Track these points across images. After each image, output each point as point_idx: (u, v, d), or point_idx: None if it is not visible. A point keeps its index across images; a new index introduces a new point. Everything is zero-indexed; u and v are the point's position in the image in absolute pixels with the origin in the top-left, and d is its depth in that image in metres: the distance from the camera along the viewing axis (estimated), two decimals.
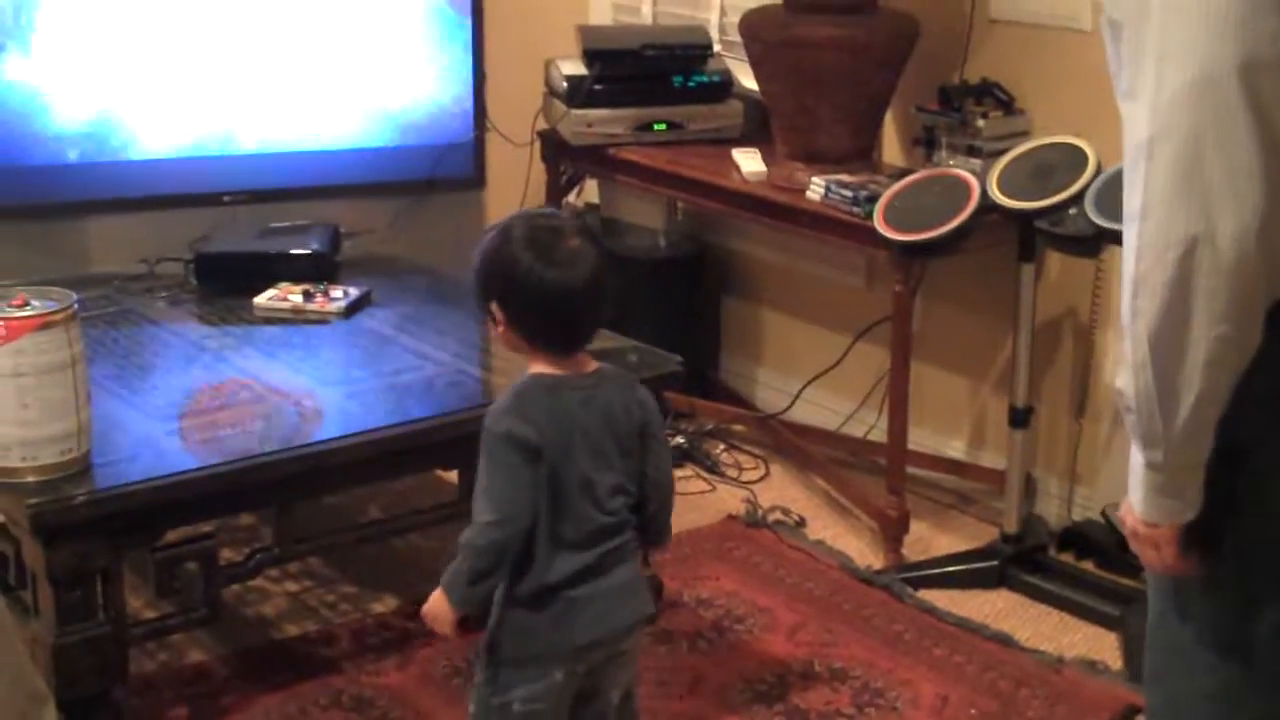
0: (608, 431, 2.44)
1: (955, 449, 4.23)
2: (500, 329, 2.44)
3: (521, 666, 2.46)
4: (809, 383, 4.48)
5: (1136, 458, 1.90)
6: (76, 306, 2.82)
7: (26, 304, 2.77)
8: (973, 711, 3.25)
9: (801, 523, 4.07)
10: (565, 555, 2.41)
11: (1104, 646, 3.50)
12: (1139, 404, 1.84)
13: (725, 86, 4.42)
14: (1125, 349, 1.84)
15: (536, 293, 2.39)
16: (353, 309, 3.72)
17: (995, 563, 3.78)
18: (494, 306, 2.42)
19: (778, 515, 4.09)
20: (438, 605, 2.44)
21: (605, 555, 2.44)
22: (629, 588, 2.50)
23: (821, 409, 4.49)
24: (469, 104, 4.29)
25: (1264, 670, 1.98)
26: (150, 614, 3.19)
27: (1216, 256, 1.73)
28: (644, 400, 2.51)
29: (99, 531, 2.83)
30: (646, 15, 4.84)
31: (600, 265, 2.43)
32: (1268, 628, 1.95)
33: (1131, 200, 1.79)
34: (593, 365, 2.49)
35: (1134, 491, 1.93)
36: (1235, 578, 1.94)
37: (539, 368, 2.44)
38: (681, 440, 4.41)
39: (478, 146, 4.30)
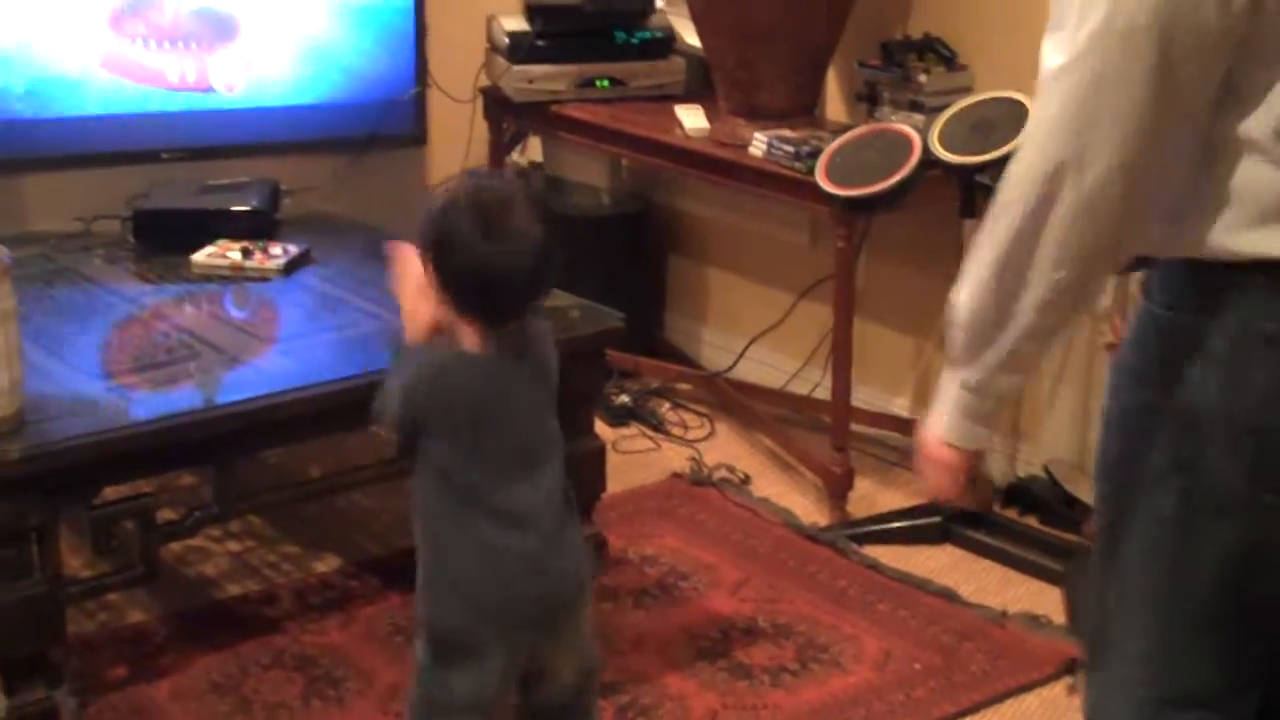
0: None
1: (899, 406, 4.23)
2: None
3: None
4: (753, 340, 4.47)
5: (950, 377, 1.94)
6: (8, 262, 2.77)
7: None
8: (916, 666, 3.26)
9: (746, 480, 4.06)
10: None
11: (1047, 601, 3.50)
12: (969, 321, 1.87)
13: (667, 42, 4.40)
14: (968, 266, 1.86)
15: (470, 266, 2.32)
16: (292, 266, 3.68)
17: (939, 519, 3.78)
18: (429, 270, 2.36)
19: (723, 473, 4.08)
20: None
21: None
22: None
23: (766, 367, 4.49)
24: (410, 59, 4.24)
25: (1196, 640, 1.97)
26: (88, 574, 3.16)
27: (1078, 195, 1.77)
28: None
29: (34, 489, 2.79)
30: None
31: (542, 247, 2.33)
32: (1202, 596, 1.94)
33: (1025, 128, 1.83)
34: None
35: (941, 409, 1.97)
36: (1175, 541, 1.93)
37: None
38: (626, 399, 4.40)
39: (419, 103, 4.26)
